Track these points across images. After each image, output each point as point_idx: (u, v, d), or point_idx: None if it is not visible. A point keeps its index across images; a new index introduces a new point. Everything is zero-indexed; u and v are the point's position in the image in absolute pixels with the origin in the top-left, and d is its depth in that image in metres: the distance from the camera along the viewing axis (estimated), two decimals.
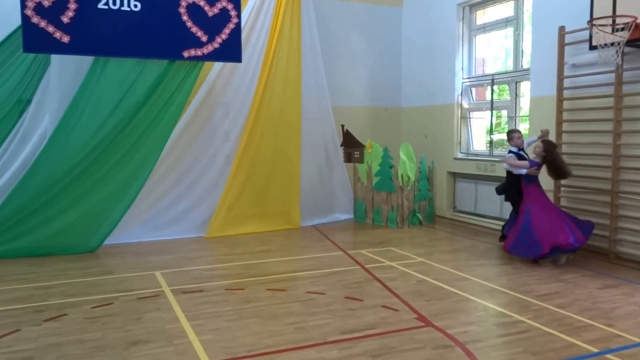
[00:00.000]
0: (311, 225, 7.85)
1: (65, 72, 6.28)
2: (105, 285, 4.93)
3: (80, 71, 6.23)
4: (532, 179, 5.79)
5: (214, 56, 6.69)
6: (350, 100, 8.97)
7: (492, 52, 8.20)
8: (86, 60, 6.24)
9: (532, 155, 5.98)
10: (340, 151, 8.28)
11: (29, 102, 6.52)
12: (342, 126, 8.25)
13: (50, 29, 5.90)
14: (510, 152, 6.09)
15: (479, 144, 8.25)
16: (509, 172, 6.02)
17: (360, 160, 8.13)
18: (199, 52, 6.56)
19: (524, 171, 5.78)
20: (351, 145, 8.16)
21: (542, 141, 5.81)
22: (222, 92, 7.38)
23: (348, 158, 8.20)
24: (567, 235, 5.41)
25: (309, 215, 7.92)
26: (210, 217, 7.23)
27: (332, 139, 8.28)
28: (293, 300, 4.47)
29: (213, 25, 6.58)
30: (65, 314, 4.12)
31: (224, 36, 6.64)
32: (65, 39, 5.96)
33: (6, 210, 6.01)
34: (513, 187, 6.00)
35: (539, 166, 5.76)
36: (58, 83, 6.30)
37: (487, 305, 4.34)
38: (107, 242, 6.44)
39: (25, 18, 5.81)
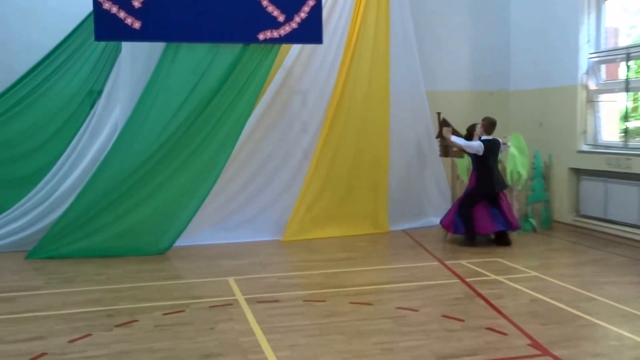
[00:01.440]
0: (401, 230, 7.81)
1: (136, 61, 6.69)
2: (175, 291, 5.23)
3: (152, 59, 6.62)
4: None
5: (292, 38, 6.82)
6: (449, 84, 8.77)
7: (628, 19, 7.68)
8: (157, 48, 6.61)
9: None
10: (436, 144, 8.11)
11: (100, 93, 7.01)
12: (438, 114, 8.07)
13: (122, 14, 6.32)
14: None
15: (610, 133, 7.76)
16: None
17: (460, 154, 7.95)
18: (275, 34, 6.71)
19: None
20: None
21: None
22: (299, 78, 7.52)
23: (445, 152, 8.02)
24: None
25: (399, 218, 7.88)
26: (287, 219, 7.40)
27: (426, 130, 8.16)
28: (381, 316, 4.47)
29: (291, 4, 6.71)
30: (136, 320, 4.41)
31: (302, 15, 6.75)
32: (137, 24, 6.35)
33: (76, 208, 6.51)
34: None
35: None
36: (129, 72, 6.74)
37: (622, 333, 4.07)
38: (177, 243, 6.80)
39: (96, 4, 6.27)
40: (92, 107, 7.07)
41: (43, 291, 5.28)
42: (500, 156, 7.67)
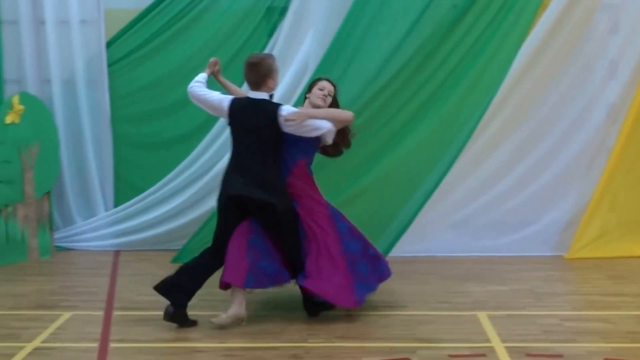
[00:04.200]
0: None
1: None
2: (394, 327, 5.56)
3: None
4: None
5: None
6: None
7: None
8: None
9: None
10: None
11: (283, 12, 7.55)
12: None
13: None
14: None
15: None
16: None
17: None
18: None
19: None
20: None
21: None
22: None
23: None
24: None
25: None
26: (575, 223, 7.43)
27: None
28: None
29: None
30: None
31: None
32: None
33: None
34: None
35: None
36: None
37: None
38: (395, 252, 7.20)
39: None
40: (270, 34, 7.66)
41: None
42: None
